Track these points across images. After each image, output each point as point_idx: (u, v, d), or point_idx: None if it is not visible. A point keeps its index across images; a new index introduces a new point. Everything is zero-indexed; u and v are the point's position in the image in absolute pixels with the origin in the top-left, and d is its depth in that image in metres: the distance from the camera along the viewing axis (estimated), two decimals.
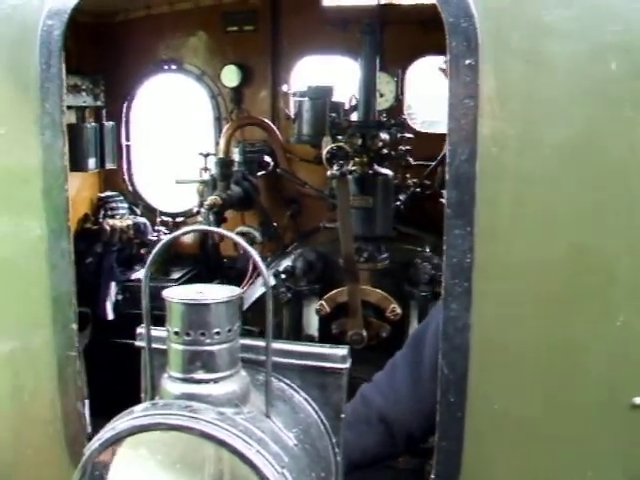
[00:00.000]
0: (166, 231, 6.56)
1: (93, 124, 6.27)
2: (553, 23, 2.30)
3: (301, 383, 2.36)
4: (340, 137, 4.80)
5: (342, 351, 2.34)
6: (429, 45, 5.20)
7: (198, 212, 5.97)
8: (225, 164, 5.77)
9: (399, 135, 5.14)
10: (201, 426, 1.93)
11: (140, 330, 2.39)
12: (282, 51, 6.36)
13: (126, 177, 6.86)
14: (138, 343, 2.41)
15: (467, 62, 2.31)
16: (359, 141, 4.76)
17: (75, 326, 2.85)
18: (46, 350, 2.90)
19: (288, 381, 2.36)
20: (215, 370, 2.07)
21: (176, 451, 2.08)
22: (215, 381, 2.07)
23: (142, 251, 6.49)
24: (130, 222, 6.44)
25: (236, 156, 6.05)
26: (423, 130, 6.58)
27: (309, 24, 6.01)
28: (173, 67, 6.58)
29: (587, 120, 2.37)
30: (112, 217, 6.49)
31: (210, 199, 5.42)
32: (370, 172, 4.84)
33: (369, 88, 4.93)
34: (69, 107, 5.93)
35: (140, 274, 6.27)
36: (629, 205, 2.39)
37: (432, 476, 2.59)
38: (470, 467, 2.56)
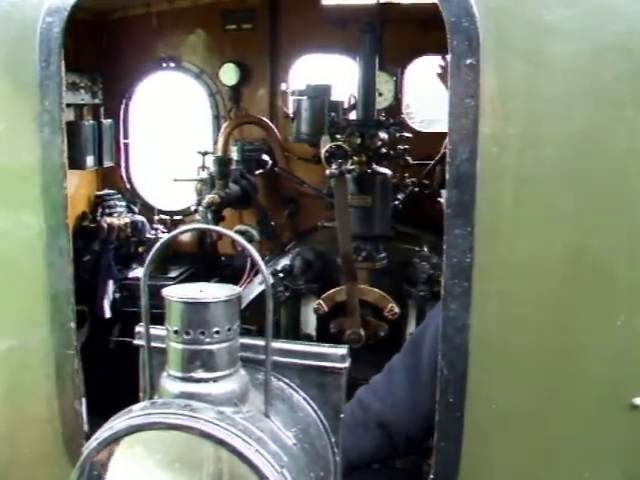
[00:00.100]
0: (164, 229, 6.55)
1: (91, 122, 6.24)
2: (554, 23, 2.30)
3: (300, 382, 2.36)
4: (339, 136, 4.80)
5: (341, 351, 2.33)
6: (428, 44, 5.20)
7: (196, 210, 5.95)
8: (223, 162, 5.76)
9: (398, 134, 5.13)
10: (200, 425, 1.93)
11: (139, 329, 2.38)
12: (281, 50, 6.35)
13: (124, 175, 6.84)
14: (137, 342, 2.40)
15: (468, 61, 2.31)
16: (358, 140, 4.75)
17: (73, 324, 2.84)
18: (44, 348, 2.89)
19: (287, 380, 2.36)
20: (214, 369, 2.06)
21: (175, 450, 2.07)
22: (214, 380, 2.06)
23: (140, 249, 6.48)
24: (128, 220, 6.42)
25: (234, 154, 6.04)
26: (422, 129, 6.58)
27: (308, 23, 6.00)
28: (172, 65, 6.56)
29: (588, 120, 2.37)
30: (110, 215, 6.47)
31: (208, 197, 5.42)
32: (369, 171, 4.83)
33: (368, 87, 4.92)
34: (67, 105, 5.90)
35: (138, 272, 6.27)
36: (629, 205, 2.39)
37: (431, 476, 2.59)
38: (469, 467, 2.56)
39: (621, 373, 2.51)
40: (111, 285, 6.21)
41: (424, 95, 9.10)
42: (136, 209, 6.72)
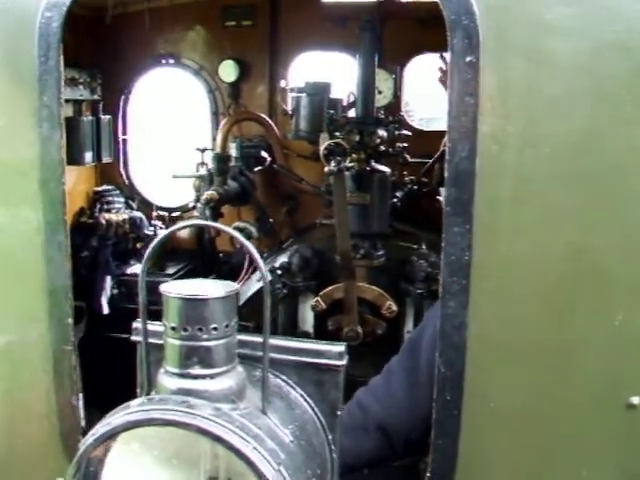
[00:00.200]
0: (162, 226, 6.55)
1: (90, 118, 6.24)
2: (554, 21, 2.30)
3: (298, 379, 2.36)
4: (337, 133, 4.80)
5: (339, 348, 2.33)
6: (428, 42, 5.21)
7: (194, 207, 5.95)
8: (222, 159, 5.76)
9: (397, 132, 5.14)
10: (197, 422, 1.93)
11: (136, 325, 2.38)
12: (280, 47, 6.35)
13: (122, 171, 6.84)
14: (134, 338, 2.40)
15: (468, 59, 2.30)
16: (356, 138, 4.75)
17: (71, 320, 2.84)
18: (42, 344, 2.89)
19: (285, 377, 2.36)
20: (212, 366, 2.06)
21: (172, 447, 2.07)
22: (212, 377, 2.06)
23: (138, 245, 6.48)
24: (126, 216, 6.42)
25: (233, 151, 6.03)
26: (421, 127, 6.57)
27: (308, 20, 6.00)
28: (171, 61, 6.56)
29: (587, 118, 2.37)
30: (108, 211, 6.47)
31: (207, 194, 5.41)
32: (367, 169, 4.83)
33: (367, 85, 4.91)
34: (66, 100, 5.91)
35: (136, 268, 6.26)
36: (628, 203, 2.39)
37: (428, 474, 2.59)
38: (466, 465, 2.56)
39: (619, 372, 2.51)
40: (109, 281, 6.21)
41: (423, 93, 9.09)
42: (134, 205, 6.72)
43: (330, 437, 2.36)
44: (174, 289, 2.06)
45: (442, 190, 2.45)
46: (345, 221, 4.38)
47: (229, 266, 6.26)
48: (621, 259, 2.44)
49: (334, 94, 5.41)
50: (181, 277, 6.01)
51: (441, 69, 4.79)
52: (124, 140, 6.81)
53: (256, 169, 6.08)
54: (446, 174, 2.38)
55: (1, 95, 2.84)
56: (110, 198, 6.58)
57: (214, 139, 6.33)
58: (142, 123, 7.30)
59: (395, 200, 5.20)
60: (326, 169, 4.24)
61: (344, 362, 2.32)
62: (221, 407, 2.01)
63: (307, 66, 6.61)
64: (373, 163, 4.89)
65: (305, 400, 2.35)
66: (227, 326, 2.08)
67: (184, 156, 6.79)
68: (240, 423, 1.98)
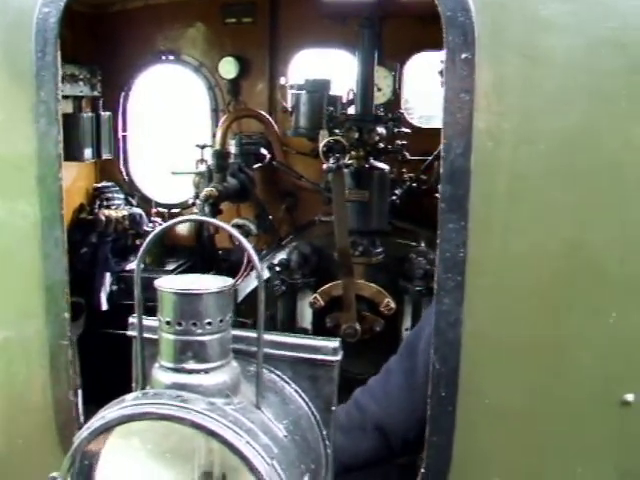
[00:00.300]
0: (161, 222, 6.55)
1: (90, 114, 6.24)
2: (550, 17, 2.30)
3: (292, 375, 2.36)
4: (337, 130, 4.81)
5: (334, 343, 2.33)
6: (428, 40, 5.17)
7: (194, 204, 5.96)
8: (221, 156, 5.76)
9: (396, 129, 5.15)
10: (191, 416, 1.93)
11: (132, 319, 2.39)
12: (280, 44, 6.35)
13: (122, 168, 6.85)
14: (130, 332, 2.41)
15: (463, 56, 2.31)
16: (356, 135, 4.76)
17: (67, 315, 2.84)
18: (38, 339, 2.89)
19: (279, 372, 2.36)
20: (206, 360, 2.07)
21: (166, 441, 2.07)
22: (206, 371, 2.07)
23: (137, 242, 6.48)
24: (125, 213, 6.43)
25: (232, 148, 6.04)
26: (420, 125, 6.58)
27: (307, 17, 6.00)
28: (171, 58, 6.57)
29: (583, 114, 2.37)
30: (108, 207, 6.48)
31: (206, 191, 5.41)
32: (366, 166, 4.84)
33: (367, 82, 4.92)
34: (66, 97, 5.92)
35: (135, 265, 6.27)
36: (623, 200, 2.39)
37: (422, 470, 2.59)
38: (460, 461, 2.56)
39: (613, 369, 2.51)
40: (108, 277, 6.22)
41: (423, 91, 9.10)
42: (134, 202, 6.74)
43: (325, 432, 2.36)
44: (168, 284, 2.07)
45: (440, 187, 2.44)
46: (344, 218, 4.39)
47: (228, 263, 6.27)
48: (616, 256, 2.44)
49: (334, 91, 5.43)
50: (180, 274, 6.02)
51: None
52: (124, 137, 6.82)
53: (255, 166, 6.08)
54: (441, 171, 2.38)
55: (0, 90, 2.84)
56: (110, 194, 6.59)
57: (214, 136, 6.34)
58: (142, 120, 7.30)
59: (394, 197, 5.21)
60: (325, 166, 4.25)
61: (339, 358, 2.32)
62: (215, 402, 2.01)
63: (307, 63, 6.62)
64: (372, 160, 4.89)
65: (299, 395, 2.35)
66: (221, 321, 2.08)
67: (184, 153, 6.80)
68: (234, 418, 1.98)
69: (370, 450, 3.11)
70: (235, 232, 2.16)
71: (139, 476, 2.13)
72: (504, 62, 2.35)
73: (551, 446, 2.57)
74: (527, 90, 2.36)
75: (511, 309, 2.49)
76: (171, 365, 2.08)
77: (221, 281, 2.12)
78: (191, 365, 2.06)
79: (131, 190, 6.84)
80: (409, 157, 5.54)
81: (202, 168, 5.94)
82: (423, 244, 4.96)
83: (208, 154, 5.96)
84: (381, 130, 4.88)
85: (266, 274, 4.95)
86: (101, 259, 6.23)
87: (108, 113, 6.47)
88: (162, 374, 2.09)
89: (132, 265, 6.34)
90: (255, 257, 2.09)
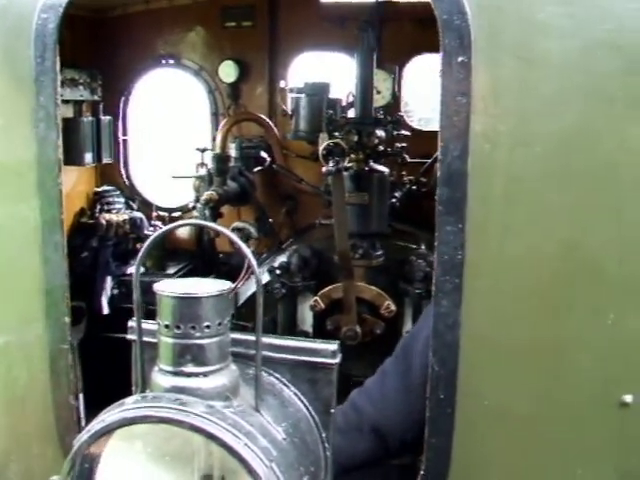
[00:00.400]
0: (162, 226, 6.55)
1: (90, 118, 6.27)
2: (546, 20, 2.31)
3: (291, 377, 2.36)
4: (336, 134, 4.81)
5: (332, 346, 2.34)
6: (427, 42, 5.18)
7: (194, 207, 5.97)
8: (222, 159, 5.78)
9: (395, 132, 5.15)
10: (190, 419, 1.94)
11: (131, 323, 2.40)
12: (280, 47, 6.36)
13: (123, 172, 6.86)
14: (129, 336, 2.42)
15: (460, 59, 2.31)
16: (355, 138, 4.76)
17: (68, 319, 2.85)
18: (39, 343, 2.90)
19: (278, 375, 2.37)
20: (205, 363, 2.07)
21: (166, 444, 2.08)
22: (205, 374, 2.07)
23: (138, 246, 6.49)
24: (126, 217, 6.45)
25: (233, 152, 6.06)
26: (420, 128, 6.59)
27: (307, 20, 6.01)
28: (171, 62, 6.59)
29: (579, 117, 2.37)
30: (108, 211, 6.50)
31: (206, 194, 5.43)
32: (366, 169, 4.84)
33: (366, 85, 4.92)
34: (66, 101, 5.94)
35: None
36: (620, 202, 2.40)
37: (422, 472, 2.60)
38: (460, 463, 2.56)
39: (612, 370, 2.52)
40: (109, 281, 6.23)
41: (422, 93, 9.11)
42: (135, 206, 6.75)
43: (324, 435, 2.37)
44: (167, 287, 2.08)
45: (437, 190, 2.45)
46: (344, 221, 4.39)
47: (229, 267, 6.29)
48: (614, 257, 2.45)
49: (333, 94, 5.43)
50: (181, 277, 6.03)
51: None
52: (124, 141, 6.84)
53: (255, 169, 6.10)
54: (438, 173, 2.39)
55: (0, 95, 2.85)
56: (110, 199, 6.61)
57: (214, 139, 6.36)
58: (142, 124, 7.31)
59: (394, 200, 5.21)
60: (325, 169, 4.25)
61: (337, 360, 2.33)
62: (214, 405, 2.02)
63: (306, 66, 6.63)
64: (372, 163, 4.89)
65: (298, 398, 2.35)
66: (220, 324, 2.09)
67: (184, 156, 6.81)
68: (233, 420, 1.99)
69: (367, 451, 3.12)
70: (234, 236, 2.17)
71: (139, 479, 2.14)
72: (500, 65, 2.36)
73: (550, 447, 2.58)
74: (523, 92, 2.37)
75: (509, 311, 2.49)
76: (170, 368, 2.08)
77: (220, 285, 2.13)
78: (190, 368, 2.07)
79: (131, 194, 6.86)
80: (409, 160, 5.55)
81: (202, 172, 5.97)
82: (423, 246, 4.96)
83: (208, 158, 5.98)
84: (381, 133, 4.88)
85: (266, 277, 4.96)
86: (102, 263, 6.24)
87: (108, 117, 6.49)
88: (161, 377, 2.10)
89: (133, 269, 6.33)
90: (254, 261, 2.10)
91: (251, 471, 1.91)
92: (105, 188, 6.71)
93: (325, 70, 6.80)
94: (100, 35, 6.39)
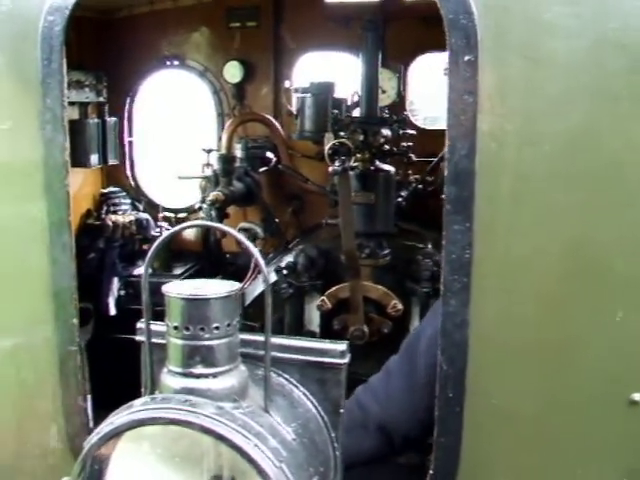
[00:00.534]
0: (168, 227, 6.56)
1: (96, 120, 6.26)
2: (552, 19, 2.30)
3: (300, 378, 2.36)
4: (342, 133, 4.82)
5: (341, 346, 2.34)
6: (431, 41, 5.19)
7: (200, 208, 5.97)
8: (227, 160, 5.79)
9: (401, 131, 5.16)
10: (200, 420, 1.94)
11: (140, 324, 2.40)
12: (284, 47, 6.36)
13: (129, 173, 6.87)
14: (138, 337, 2.42)
15: (466, 58, 2.31)
16: (361, 137, 4.77)
17: (76, 321, 2.85)
18: (47, 345, 2.90)
19: (287, 376, 2.37)
20: (214, 365, 2.08)
21: (175, 445, 2.09)
22: (214, 376, 2.08)
23: (144, 247, 6.50)
24: (132, 218, 6.45)
25: (238, 152, 6.06)
26: (425, 127, 6.58)
27: (311, 20, 6.01)
28: (176, 63, 6.59)
29: (586, 116, 2.37)
30: (115, 213, 6.50)
31: (212, 195, 5.43)
32: (372, 168, 4.85)
33: (371, 84, 4.93)
34: (72, 103, 5.94)
35: (142, 270, 6.29)
36: (627, 200, 2.39)
37: (430, 471, 2.60)
38: (468, 462, 2.56)
39: (620, 369, 2.51)
40: (116, 283, 6.24)
41: (428, 92, 9.10)
42: (141, 207, 6.76)
43: (333, 435, 2.37)
44: (176, 289, 2.08)
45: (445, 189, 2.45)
46: (350, 221, 4.39)
47: (235, 267, 6.29)
48: (621, 256, 2.44)
49: (338, 94, 5.43)
50: (187, 278, 6.03)
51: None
52: (130, 142, 6.85)
53: (261, 170, 6.10)
54: (446, 172, 2.39)
55: (6, 98, 2.85)
56: (116, 200, 6.62)
57: (219, 140, 6.36)
58: (148, 125, 7.31)
59: (400, 199, 5.21)
60: (331, 169, 4.26)
61: (346, 360, 2.33)
62: (223, 406, 2.02)
63: (311, 66, 6.62)
64: (378, 162, 4.90)
65: (308, 398, 2.35)
66: (229, 325, 2.09)
67: (190, 157, 6.81)
68: (242, 421, 1.99)
69: (372, 448, 3.13)
70: (241, 236, 2.17)
71: None
72: (507, 64, 2.35)
73: (559, 446, 2.57)
74: (530, 92, 2.37)
75: (517, 310, 2.49)
76: (179, 370, 2.09)
77: (228, 285, 2.13)
78: (199, 369, 2.07)
79: (138, 195, 6.86)
80: (414, 159, 5.55)
81: (208, 172, 5.97)
82: (430, 246, 4.95)
83: (214, 158, 5.98)
84: (386, 132, 4.89)
85: (273, 277, 4.96)
86: (109, 264, 6.25)
87: (114, 119, 6.49)
88: (170, 379, 2.10)
89: (140, 270, 6.34)
90: (261, 261, 2.10)
91: (261, 472, 1.91)
92: (111, 189, 6.72)
93: (330, 70, 6.78)
94: (105, 37, 6.40)
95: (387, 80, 5.90)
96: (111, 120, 6.44)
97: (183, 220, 6.66)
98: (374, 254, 4.85)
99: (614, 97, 2.35)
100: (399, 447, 3.17)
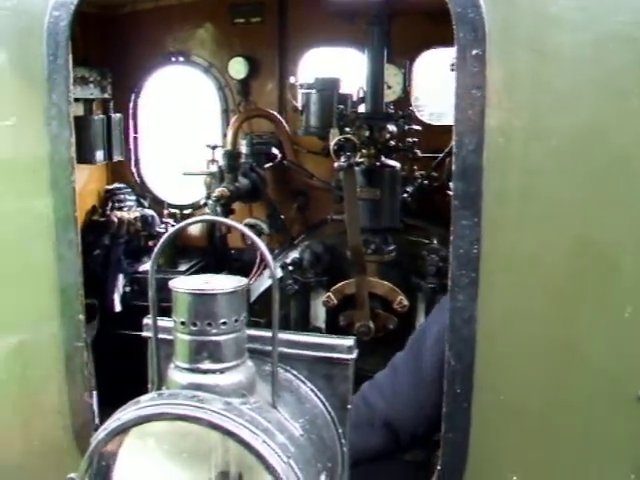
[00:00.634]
0: (174, 223, 6.56)
1: (100, 116, 6.26)
2: (560, 13, 2.29)
3: (308, 374, 2.36)
4: (347, 129, 4.81)
5: (349, 342, 2.33)
6: (437, 37, 5.19)
7: (205, 204, 5.97)
8: (232, 156, 5.77)
9: (407, 127, 5.15)
10: (207, 416, 1.94)
11: (147, 320, 2.39)
12: (289, 43, 6.35)
13: (134, 169, 6.87)
14: (145, 333, 2.41)
15: (474, 52, 2.30)
16: (366, 133, 4.77)
17: (82, 317, 2.85)
18: (53, 341, 2.90)
19: (295, 372, 2.37)
20: (221, 360, 2.07)
21: (183, 441, 2.08)
22: (221, 371, 2.07)
23: (150, 243, 6.50)
24: (138, 214, 6.45)
25: (243, 148, 6.06)
26: (431, 122, 6.57)
27: (316, 16, 5.99)
28: (181, 59, 6.58)
29: (594, 110, 2.36)
30: (120, 209, 6.50)
31: (218, 191, 5.43)
32: (377, 164, 4.85)
33: (376, 80, 4.93)
34: (76, 99, 5.94)
35: (148, 266, 6.28)
36: (636, 196, 2.38)
37: (438, 467, 2.60)
38: (476, 458, 2.56)
39: (628, 364, 2.50)
40: (121, 279, 6.24)
41: (433, 88, 9.09)
42: (146, 203, 6.75)
43: (340, 431, 2.36)
44: (183, 284, 2.07)
45: (452, 185, 2.44)
46: (356, 216, 4.39)
47: (240, 263, 6.30)
48: (629, 252, 2.43)
49: (343, 90, 5.42)
50: (193, 274, 6.03)
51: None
52: (135, 138, 6.84)
53: (267, 165, 6.09)
54: (453, 168, 2.38)
55: (12, 94, 2.85)
56: (122, 196, 6.61)
57: (224, 136, 6.36)
58: (153, 121, 7.31)
59: (405, 195, 5.21)
60: (336, 165, 4.26)
61: (354, 356, 2.32)
62: (231, 401, 2.02)
63: (316, 62, 6.61)
64: (383, 158, 4.90)
65: (315, 394, 2.35)
66: (236, 321, 2.09)
67: (195, 153, 6.80)
68: (250, 417, 1.98)
69: (379, 445, 3.13)
70: (248, 231, 2.17)
71: (156, 476, 2.14)
72: (514, 58, 2.34)
73: (566, 442, 2.57)
74: (537, 86, 2.35)
75: (525, 305, 2.48)
76: (187, 365, 2.08)
77: (235, 281, 2.12)
78: (207, 365, 2.06)
79: (143, 191, 6.86)
80: (420, 154, 5.54)
81: (213, 168, 5.96)
82: (435, 241, 4.95)
83: (219, 154, 5.97)
84: (392, 128, 4.89)
85: (279, 273, 4.96)
86: (114, 261, 6.25)
87: (119, 115, 6.49)
88: (178, 374, 2.09)
89: (145, 266, 6.36)
90: (269, 256, 2.09)
91: (269, 467, 1.91)
92: (116, 186, 6.71)
93: (335, 65, 6.77)
94: (110, 33, 6.39)
95: (392, 76, 5.88)
96: (116, 116, 6.43)
97: (188, 216, 6.65)
98: (380, 250, 4.85)
99: (622, 91, 2.33)
100: (405, 444, 3.17)
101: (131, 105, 6.74)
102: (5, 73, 2.81)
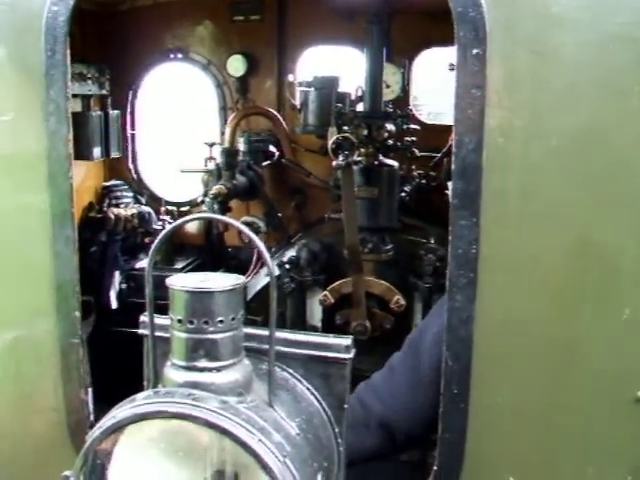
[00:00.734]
0: (171, 220, 6.55)
1: (98, 113, 6.24)
2: (561, 13, 2.29)
3: (304, 372, 2.36)
4: (346, 127, 4.80)
5: (346, 341, 2.33)
6: (436, 36, 5.20)
7: (203, 201, 5.96)
8: (230, 154, 5.76)
9: (405, 126, 5.14)
10: (204, 414, 1.93)
11: (143, 318, 2.39)
12: (288, 41, 6.34)
13: (131, 166, 6.85)
14: (141, 331, 2.41)
15: (475, 52, 2.30)
16: (365, 132, 4.75)
17: (78, 314, 2.85)
18: (49, 338, 2.90)
19: (291, 370, 2.36)
20: (218, 358, 2.06)
21: (178, 439, 2.07)
22: (218, 369, 2.06)
23: (146, 240, 6.49)
24: (135, 211, 6.44)
25: (241, 146, 6.04)
26: (429, 122, 6.56)
27: (315, 14, 5.98)
28: (179, 56, 6.56)
29: (594, 111, 2.35)
30: (117, 206, 6.48)
31: (215, 188, 5.41)
32: (375, 163, 4.83)
33: (375, 79, 4.91)
34: (74, 95, 5.92)
35: (144, 263, 6.27)
36: (636, 196, 2.38)
37: (435, 467, 2.59)
38: (473, 459, 2.55)
39: (627, 365, 2.50)
40: (117, 276, 6.23)
41: (432, 87, 9.09)
42: (143, 200, 6.74)
43: (337, 430, 2.36)
44: (180, 282, 2.06)
45: (450, 184, 2.44)
46: (353, 215, 4.38)
47: (237, 261, 6.29)
48: (629, 252, 2.43)
49: (342, 88, 5.42)
50: (189, 272, 6.02)
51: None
52: (132, 135, 6.82)
53: (264, 163, 6.08)
54: (453, 167, 2.37)
55: (10, 89, 2.84)
56: (119, 193, 6.60)
57: (222, 133, 6.33)
58: (150, 118, 7.29)
59: (403, 194, 5.20)
60: (334, 163, 4.25)
61: (351, 355, 2.32)
62: (227, 400, 2.01)
63: (315, 60, 6.60)
64: (381, 157, 4.89)
65: (311, 393, 2.35)
66: (233, 319, 2.08)
67: (192, 151, 6.79)
68: (246, 416, 1.98)
69: (374, 446, 3.12)
70: (246, 229, 2.16)
71: (151, 475, 2.13)
72: (515, 58, 2.34)
73: (564, 443, 2.57)
74: (537, 86, 2.35)
75: (523, 306, 2.48)
76: (183, 363, 2.08)
77: (232, 279, 2.12)
78: (203, 363, 2.06)
79: (140, 188, 6.84)
80: (418, 154, 5.52)
81: (211, 166, 5.95)
82: (433, 241, 4.94)
83: (217, 152, 5.96)
84: (390, 127, 4.87)
85: (276, 272, 4.95)
86: (110, 257, 6.24)
87: (117, 112, 6.46)
88: (174, 372, 2.09)
89: (141, 263, 6.35)
90: (266, 254, 2.09)
91: (265, 467, 1.90)
92: (113, 182, 6.69)
93: (334, 64, 6.76)
94: (108, 29, 6.37)
95: (391, 75, 5.87)
96: (114, 113, 6.41)
97: (185, 214, 6.64)
98: (377, 249, 4.84)
99: (622, 92, 2.33)
100: (401, 444, 3.16)
101: (129, 102, 6.72)
102: (3, 68, 2.80)
